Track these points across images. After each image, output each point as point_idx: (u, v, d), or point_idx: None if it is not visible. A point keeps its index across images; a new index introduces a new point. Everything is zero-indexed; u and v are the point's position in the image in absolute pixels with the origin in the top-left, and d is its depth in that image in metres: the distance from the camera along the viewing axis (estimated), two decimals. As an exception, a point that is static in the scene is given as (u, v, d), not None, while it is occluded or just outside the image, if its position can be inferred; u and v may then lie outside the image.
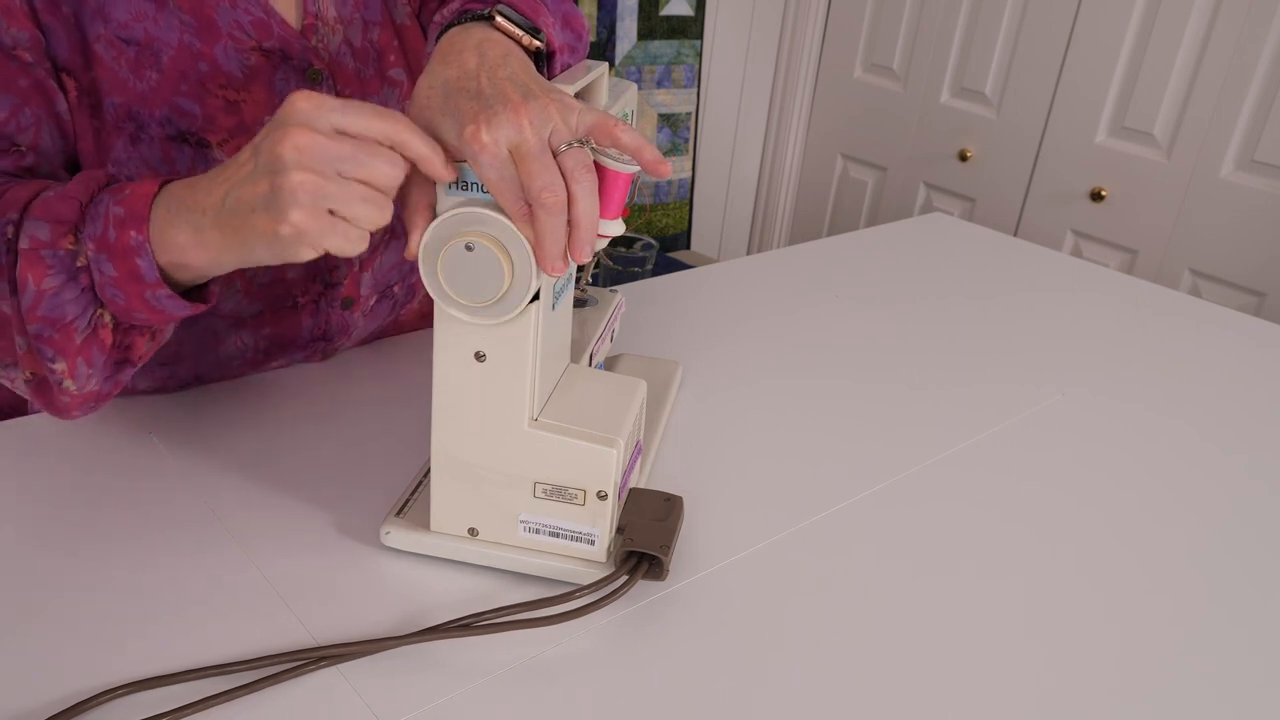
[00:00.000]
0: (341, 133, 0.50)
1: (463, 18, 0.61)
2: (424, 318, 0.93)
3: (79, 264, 0.56)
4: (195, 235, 0.54)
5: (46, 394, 0.60)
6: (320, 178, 0.49)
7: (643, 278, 1.47)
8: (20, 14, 0.63)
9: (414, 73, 0.81)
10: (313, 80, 0.74)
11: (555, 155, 0.52)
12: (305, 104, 0.50)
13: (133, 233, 0.55)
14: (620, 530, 0.61)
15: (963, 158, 2.30)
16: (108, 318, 0.58)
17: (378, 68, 0.78)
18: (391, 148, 0.51)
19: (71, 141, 0.67)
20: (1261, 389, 0.95)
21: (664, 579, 0.60)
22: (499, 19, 0.60)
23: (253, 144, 0.52)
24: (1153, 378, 0.95)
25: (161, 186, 0.56)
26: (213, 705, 0.50)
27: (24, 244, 0.56)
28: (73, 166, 0.69)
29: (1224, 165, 1.88)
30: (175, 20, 0.68)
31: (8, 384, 0.61)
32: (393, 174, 0.51)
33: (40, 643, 0.53)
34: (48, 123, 0.65)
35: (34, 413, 0.76)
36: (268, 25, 0.71)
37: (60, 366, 0.58)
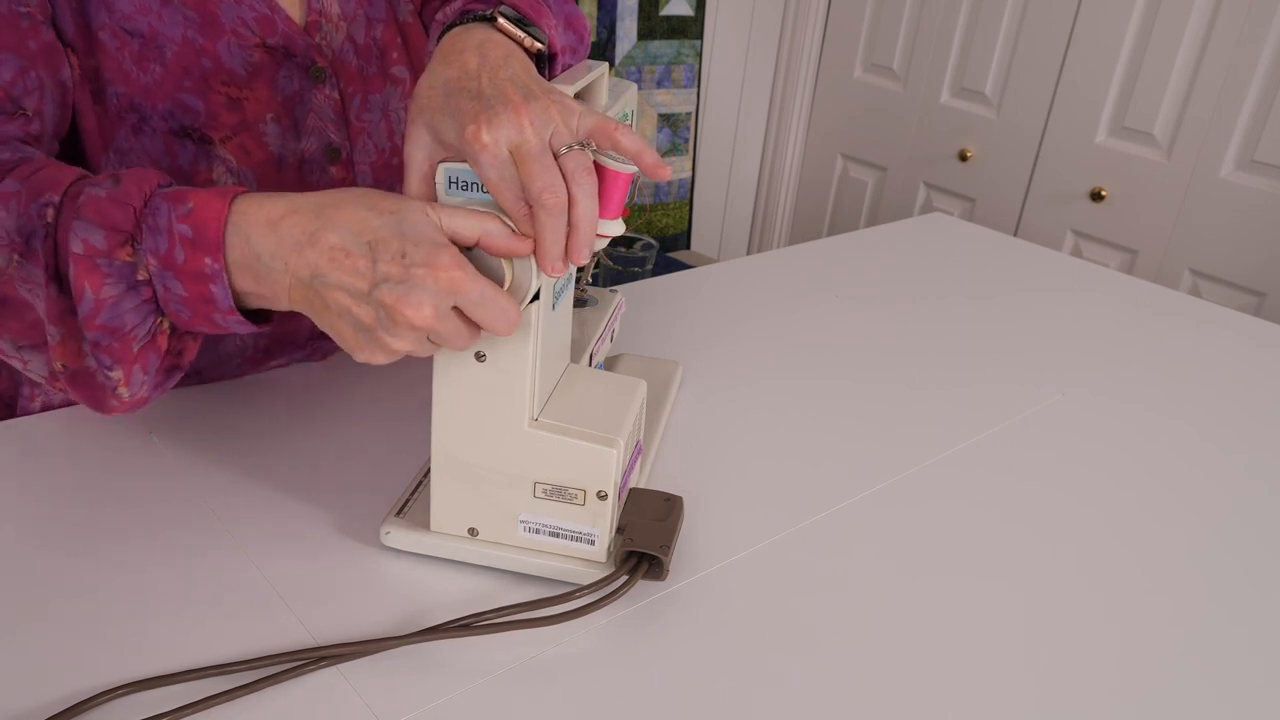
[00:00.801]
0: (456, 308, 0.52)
1: (464, 18, 0.61)
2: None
3: (140, 277, 0.54)
4: (265, 287, 0.54)
5: (87, 388, 0.58)
6: (417, 346, 0.52)
7: (643, 278, 1.47)
8: None
9: (416, 70, 0.81)
10: (316, 78, 0.74)
11: (556, 157, 0.52)
12: (448, 277, 0.50)
13: (207, 260, 0.53)
14: (620, 530, 0.61)
15: (963, 158, 2.30)
16: (166, 325, 0.57)
17: (380, 65, 0.78)
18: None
19: (69, 114, 0.66)
20: (1261, 389, 0.95)
21: (664, 579, 0.60)
22: (500, 20, 0.60)
23: (371, 245, 0.50)
24: (1153, 378, 0.95)
25: (232, 202, 0.53)
26: (213, 705, 0.50)
27: (77, 248, 0.53)
28: (65, 142, 0.68)
29: (1224, 165, 1.88)
30: (179, 15, 0.68)
31: (18, 366, 0.59)
32: (463, 346, 0.53)
33: (40, 643, 0.53)
34: (51, 89, 0.64)
35: (27, 413, 0.76)
36: (272, 21, 0.71)
37: (117, 375, 0.56)
